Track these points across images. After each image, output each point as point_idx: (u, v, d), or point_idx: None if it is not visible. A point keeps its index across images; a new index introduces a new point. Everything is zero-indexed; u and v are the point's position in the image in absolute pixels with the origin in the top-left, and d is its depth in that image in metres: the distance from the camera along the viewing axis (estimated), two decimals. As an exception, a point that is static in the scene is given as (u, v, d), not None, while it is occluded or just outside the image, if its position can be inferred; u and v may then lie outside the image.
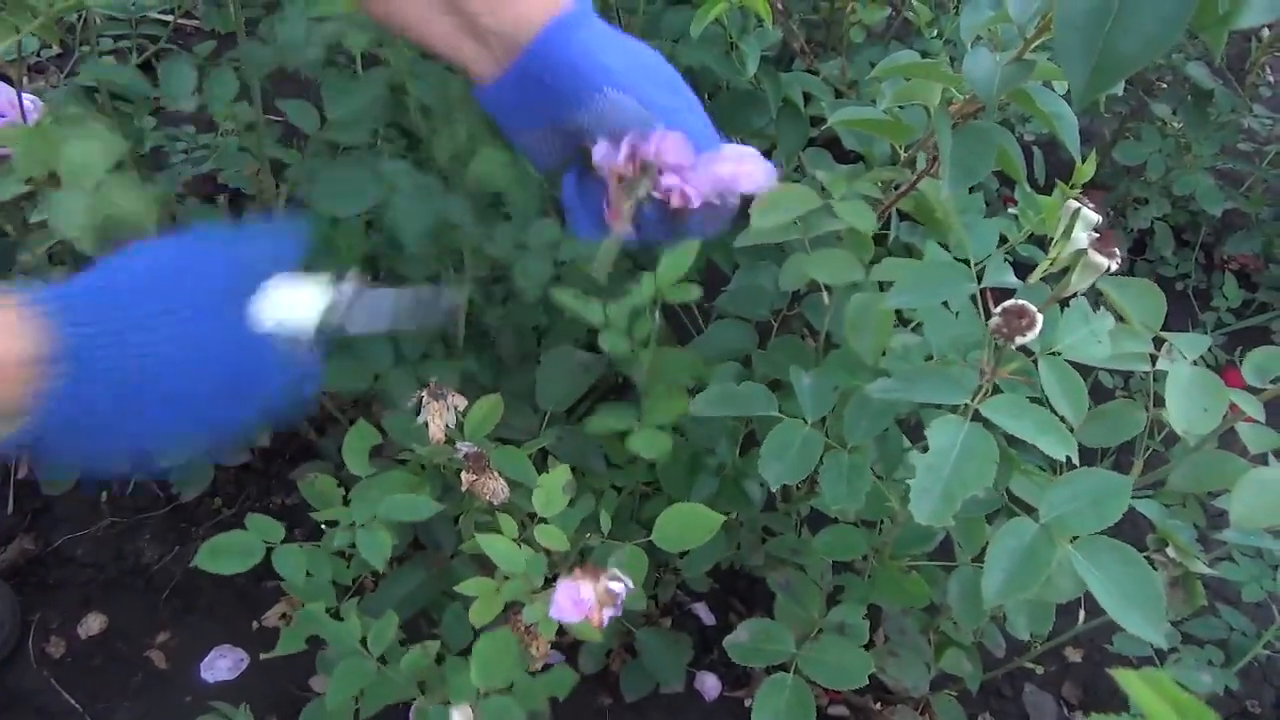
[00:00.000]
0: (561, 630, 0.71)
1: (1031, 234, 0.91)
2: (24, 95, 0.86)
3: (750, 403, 0.77)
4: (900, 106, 0.82)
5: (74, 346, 0.41)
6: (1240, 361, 0.69)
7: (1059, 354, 0.59)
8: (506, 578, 0.72)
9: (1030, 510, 0.58)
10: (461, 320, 0.99)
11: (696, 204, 0.49)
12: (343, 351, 0.95)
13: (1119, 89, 0.67)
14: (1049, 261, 0.54)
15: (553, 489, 0.75)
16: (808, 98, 1.09)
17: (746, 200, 0.53)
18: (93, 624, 1.15)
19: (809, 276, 0.80)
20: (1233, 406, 0.66)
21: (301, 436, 1.25)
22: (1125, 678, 0.26)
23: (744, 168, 0.49)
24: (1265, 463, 0.66)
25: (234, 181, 1.24)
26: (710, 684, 1.11)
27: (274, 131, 1.24)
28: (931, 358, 0.80)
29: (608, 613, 0.63)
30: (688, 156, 0.48)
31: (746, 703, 1.10)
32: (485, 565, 0.75)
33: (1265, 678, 1.23)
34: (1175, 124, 1.71)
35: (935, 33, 1.31)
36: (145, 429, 0.45)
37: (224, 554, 0.77)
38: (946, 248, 0.86)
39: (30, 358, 0.40)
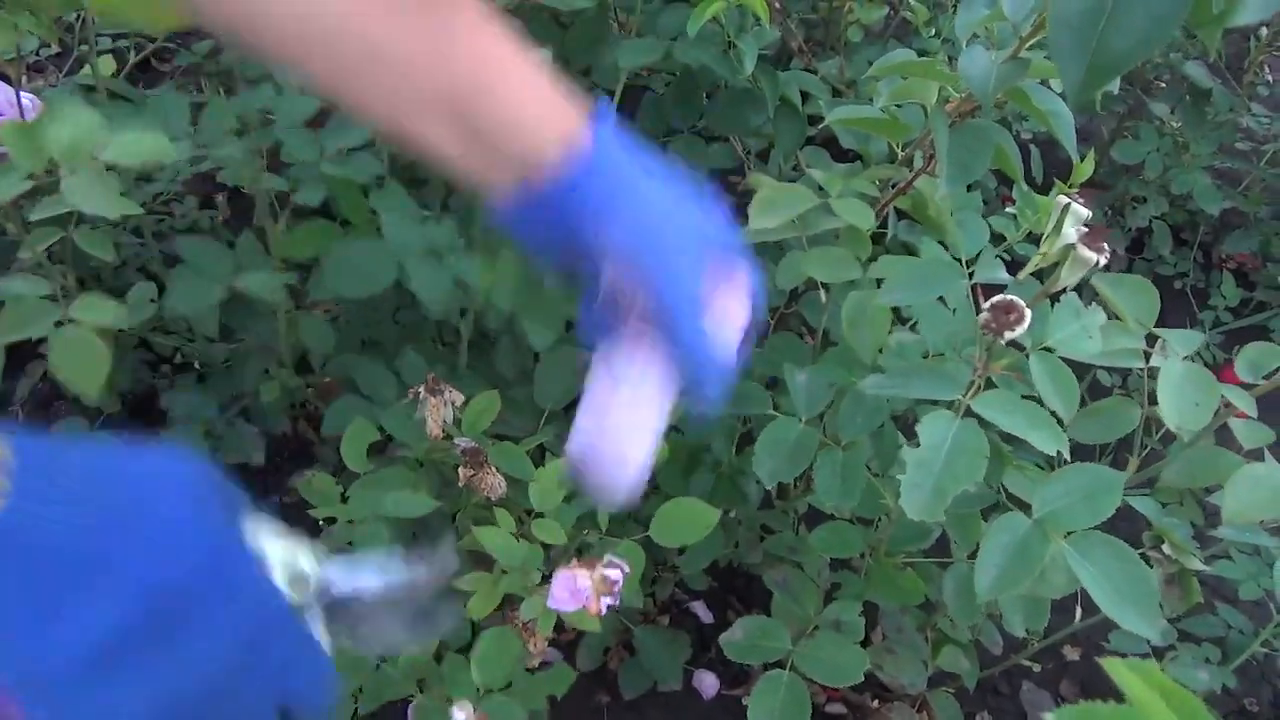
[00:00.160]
0: (560, 628, 0.71)
1: (1030, 233, 0.91)
2: (23, 94, 0.87)
3: (746, 401, 0.78)
4: (897, 105, 0.82)
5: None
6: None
7: (1050, 349, 0.59)
8: (504, 571, 0.72)
9: (1025, 507, 0.58)
10: (464, 348, 0.99)
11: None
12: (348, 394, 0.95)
13: (1114, 87, 0.68)
14: (1039, 256, 0.54)
15: (549, 483, 0.75)
16: (805, 96, 1.09)
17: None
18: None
19: (806, 274, 0.81)
20: (1228, 403, 0.66)
21: (301, 436, 1.26)
22: (1113, 667, 0.27)
23: (727, 320, 0.48)
24: (1260, 458, 0.66)
25: (233, 181, 1.24)
26: (708, 682, 1.11)
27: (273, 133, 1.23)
28: (928, 355, 0.80)
29: (605, 602, 0.64)
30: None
31: (744, 701, 1.10)
32: (483, 561, 0.75)
33: (1263, 676, 1.23)
34: (1173, 123, 1.72)
35: (933, 32, 1.31)
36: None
37: (223, 552, 0.77)
38: (945, 246, 0.87)
39: None
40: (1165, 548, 0.78)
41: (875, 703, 1.05)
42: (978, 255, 0.68)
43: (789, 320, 1.03)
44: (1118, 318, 0.67)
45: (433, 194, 1.00)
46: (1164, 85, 1.76)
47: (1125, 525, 0.89)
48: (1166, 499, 1.06)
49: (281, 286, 0.93)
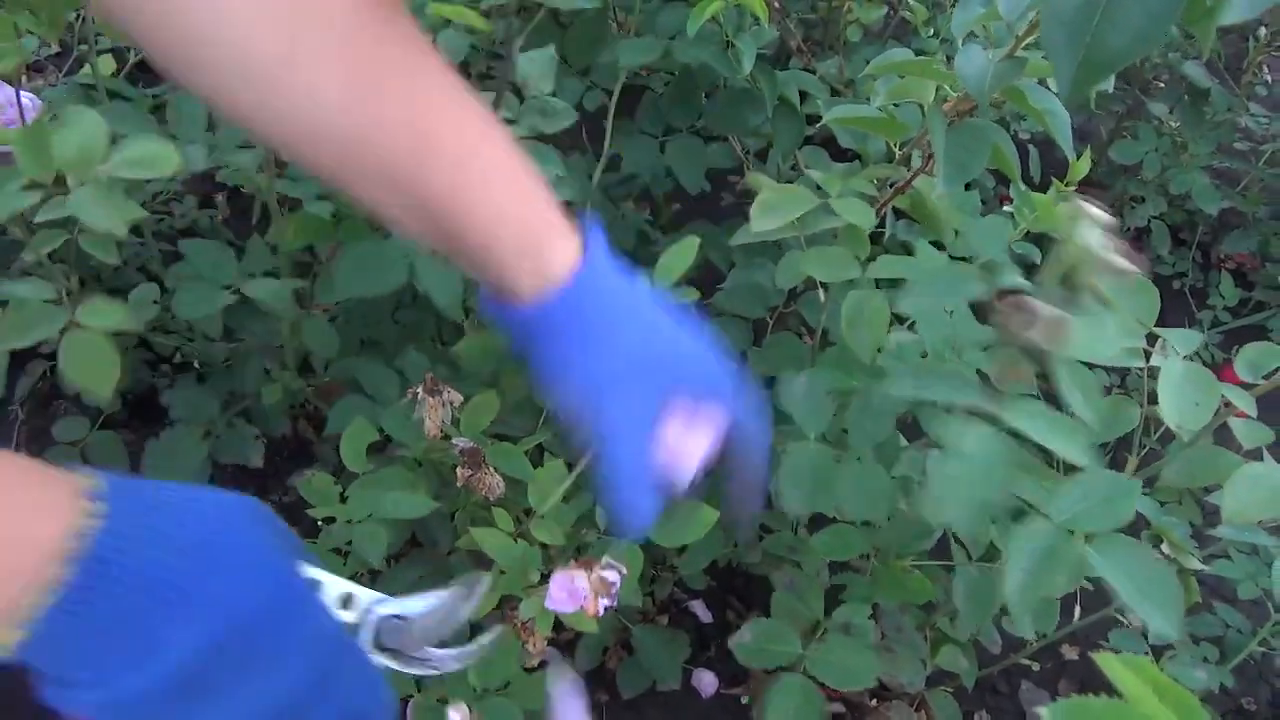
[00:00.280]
0: (559, 627, 0.71)
1: (1028, 232, 0.92)
2: (22, 94, 0.87)
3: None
4: (895, 104, 0.83)
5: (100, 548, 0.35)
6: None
7: (1071, 355, 0.58)
8: (502, 571, 0.72)
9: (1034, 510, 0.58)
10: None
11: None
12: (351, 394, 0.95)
13: (1109, 85, 0.68)
14: (1059, 262, 0.53)
15: (548, 483, 0.75)
16: (804, 96, 1.09)
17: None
18: (91, 622, 1.15)
19: (805, 274, 0.81)
20: (1228, 403, 0.66)
21: (300, 437, 1.26)
22: (1107, 662, 0.27)
23: (680, 457, 0.49)
24: (1260, 458, 0.66)
25: (233, 180, 1.24)
26: (707, 681, 1.11)
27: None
28: (926, 355, 0.80)
29: (603, 603, 0.64)
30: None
31: (743, 700, 1.10)
32: (482, 561, 0.75)
33: (1261, 675, 1.23)
34: (1172, 123, 1.72)
35: (932, 32, 1.32)
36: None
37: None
38: (940, 246, 0.87)
39: (66, 546, 0.34)
40: (1164, 547, 0.78)
41: (874, 701, 1.05)
42: (991, 258, 0.68)
43: (788, 320, 1.03)
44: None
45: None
46: (1162, 85, 1.76)
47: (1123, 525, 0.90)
48: (1166, 498, 1.06)
49: (290, 294, 0.94)
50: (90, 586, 0.35)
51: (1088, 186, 0.93)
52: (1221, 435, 0.71)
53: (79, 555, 0.34)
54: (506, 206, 0.46)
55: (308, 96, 0.42)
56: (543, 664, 0.79)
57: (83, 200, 0.74)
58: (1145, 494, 0.84)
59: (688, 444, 0.49)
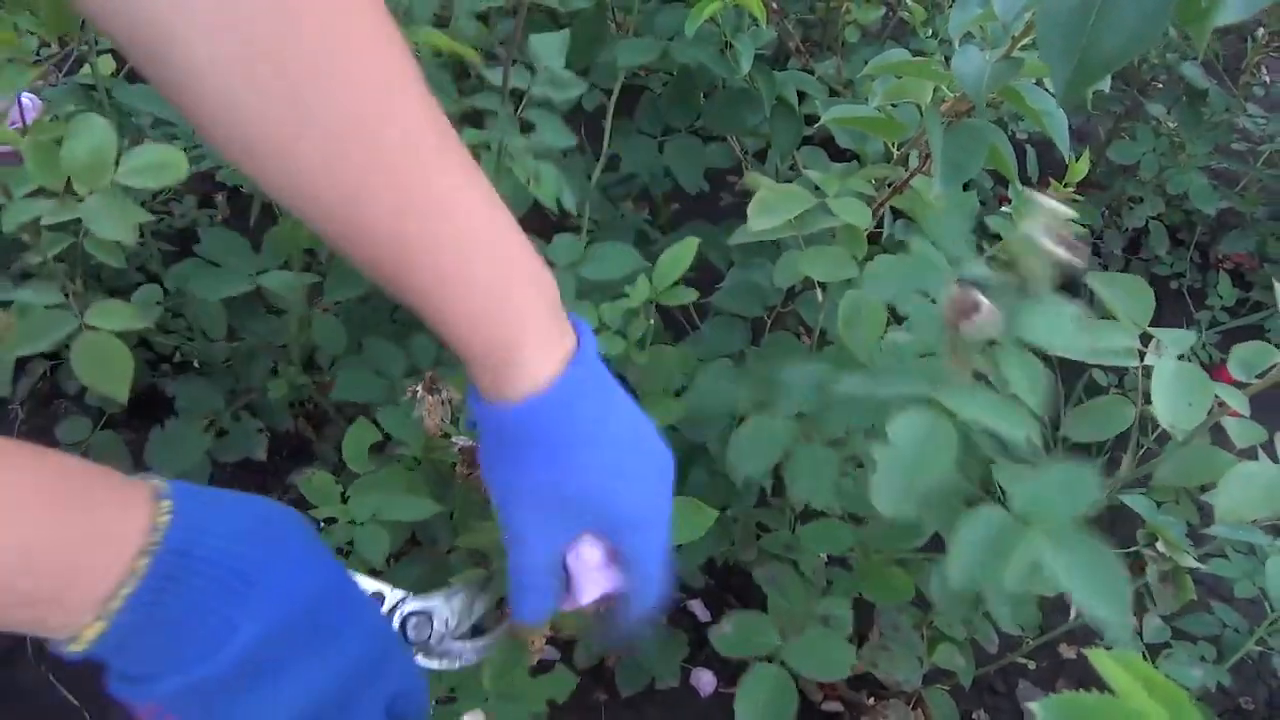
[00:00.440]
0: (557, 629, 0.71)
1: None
2: (23, 94, 0.87)
3: (732, 399, 0.78)
4: (893, 105, 0.83)
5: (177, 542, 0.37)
6: (1233, 359, 0.69)
7: (1023, 342, 0.58)
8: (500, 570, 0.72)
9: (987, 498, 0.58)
10: None
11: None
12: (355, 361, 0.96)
13: (1105, 85, 0.68)
14: (1002, 249, 0.54)
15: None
16: (802, 96, 1.09)
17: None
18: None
19: (803, 273, 0.81)
20: (1222, 402, 0.66)
21: (299, 435, 1.26)
22: (1098, 658, 0.27)
23: (580, 586, 0.50)
24: (1255, 457, 0.66)
25: (233, 179, 1.25)
26: (705, 680, 1.11)
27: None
28: (925, 355, 0.80)
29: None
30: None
31: (741, 699, 1.10)
32: (482, 560, 0.75)
33: (1258, 674, 1.23)
34: (1170, 123, 1.72)
35: (930, 32, 1.32)
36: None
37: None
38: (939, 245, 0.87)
39: (143, 540, 0.36)
40: (1159, 545, 0.78)
41: (871, 700, 1.05)
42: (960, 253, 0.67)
43: (786, 319, 1.03)
44: (1113, 317, 0.67)
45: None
46: (1160, 86, 1.76)
47: (1122, 524, 0.90)
48: (1162, 498, 1.07)
49: (303, 287, 0.94)
50: (169, 575, 0.37)
51: (1086, 187, 0.93)
52: (1217, 435, 0.71)
53: (157, 548, 0.36)
54: (478, 319, 0.43)
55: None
56: (544, 666, 0.80)
57: (93, 209, 0.74)
58: (1141, 493, 0.84)
59: (588, 576, 0.50)
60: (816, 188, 0.82)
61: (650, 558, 0.49)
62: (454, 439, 0.79)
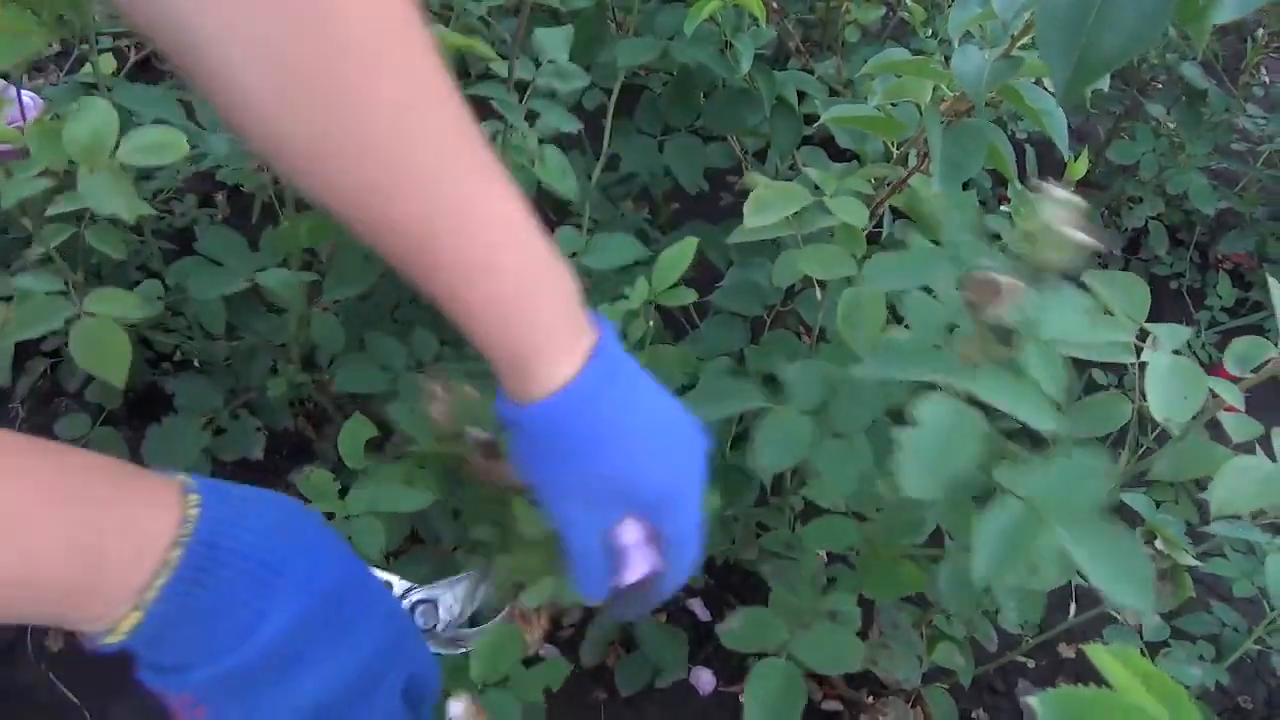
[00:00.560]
0: (558, 625, 0.71)
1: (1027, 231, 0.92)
2: (23, 92, 0.87)
3: (742, 397, 0.78)
4: (893, 104, 0.83)
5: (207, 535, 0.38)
6: (1231, 358, 0.69)
7: (1038, 332, 0.58)
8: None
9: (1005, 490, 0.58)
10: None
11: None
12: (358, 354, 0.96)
13: (1104, 84, 0.68)
14: (1021, 238, 0.54)
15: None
16: (802, 96, 1.10)
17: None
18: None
19: (802, 272, 0.81)
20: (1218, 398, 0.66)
21: (299, 433, 1.26)
22: (1096, 653, 0.27)
23: (625, 565, 0.52)
24: (1252, 452, 0.67)
25: (233, 179, 1.25)
26: (705, 679, 1.11)
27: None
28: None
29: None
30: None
31: (741, 697, 1.11)
32: (490, 556, 0.75)
33: (1257, 673, 1.23)
34: (1169, 124, 1.72)
35: (930, 32, 1.32)
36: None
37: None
38: (938, 244, 0.87)
39: (175, 532, 0.37)
40: (1158, 543, 0.78)
41: (870, 698, 1.06)
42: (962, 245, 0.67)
43: (785, 318, 1.03)
44: (1110, 314, 0.67)
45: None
46: (1160, 86, 1.77)
47: (1120, 523, 0.90)
48: (1161, 496, 1.07)
49: (302, 285, 0.94)
50: (201, 566, 0.38)
51: (1085, 187, 0.93)
52: (1214, 431, 0.71)
53: (189, 540, 0.37)
54: (506, 323, 0.45)
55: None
56: (539, 656, 0.80)
57: (93, 186, 0.74)
58: (1139, 491, 0.84)
59: (631, 554, 0.52)
60: (816, 187, 0.82)
61: (683, 534, 0.51)
62: (468, 432, 0.79)
